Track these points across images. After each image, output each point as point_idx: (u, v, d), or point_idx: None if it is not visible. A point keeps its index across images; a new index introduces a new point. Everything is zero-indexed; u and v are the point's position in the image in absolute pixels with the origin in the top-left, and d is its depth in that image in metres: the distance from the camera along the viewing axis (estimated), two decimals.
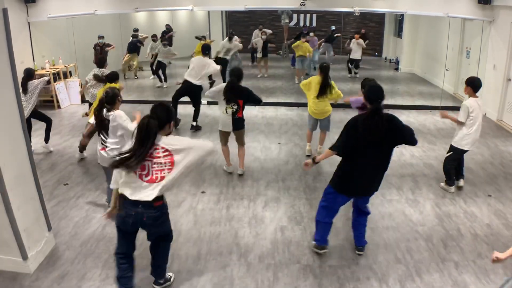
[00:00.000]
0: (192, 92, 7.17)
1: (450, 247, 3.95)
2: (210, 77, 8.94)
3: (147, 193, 2.82)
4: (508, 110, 7.71)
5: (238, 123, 5.26)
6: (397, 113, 7.87)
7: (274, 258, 3.77)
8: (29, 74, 5.82)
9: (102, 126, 4.12)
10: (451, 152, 4.96)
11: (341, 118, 6.68)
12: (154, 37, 10.87)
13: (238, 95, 5.10)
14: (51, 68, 8.88)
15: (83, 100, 8.93)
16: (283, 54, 13.96)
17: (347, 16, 12.61)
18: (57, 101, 8.84)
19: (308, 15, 14.25)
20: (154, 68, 10.87)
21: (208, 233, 4.17)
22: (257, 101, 5.34)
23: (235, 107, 5.13)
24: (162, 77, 10.62)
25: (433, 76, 11.22)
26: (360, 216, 3.79)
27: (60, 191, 5.06)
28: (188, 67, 7.13)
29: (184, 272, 3.55)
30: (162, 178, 2.83)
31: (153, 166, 2.82)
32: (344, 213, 4.27)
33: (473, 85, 4.70)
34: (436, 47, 10.85)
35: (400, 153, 6.22)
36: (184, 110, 7.59)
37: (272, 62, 12.70)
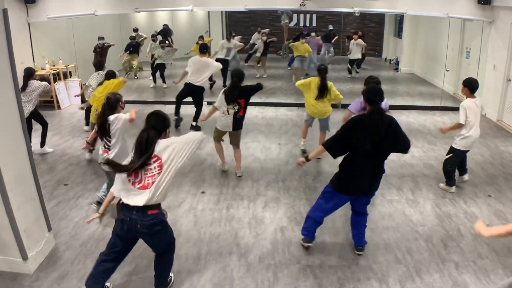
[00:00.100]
0: (194, 93, 7.18)
1: (450, 247, 3.95)
2: (210, 78, 8.94)
3: (140, 198, 2.83)
4: (508, 110, 7.71)
5: (239, 123, 5.26)
6: (397, 113, 7.81)
7: (274, 258, 3.77)
8: (29, 73, 5.84)
9: (104, 131, 4.14)
10: (451, 154, 4.96)
11: (341, 118, 6.66)
12: (154, 37, 10.88)
13: (239, 96, 5.11)
14: (51, 69, 8.88)
15: (83, 101, 8.94)
16: (283, 54, 13.97)
17: (347, 16, 12.63)
18: (57, 102, 8.84)
19: (308, 16, 14.25)
20: (153, 68, 10.86)
21: (208, 233, 4.17)
22: (258, 89, 5.36)
23: (236, 107, 5.13)
24: (161, 79, 10.61)
25: (433, 76, 11.22)
26: (359, 216, 3.79)
27: (60, 191, 5.06)
28: (188, 67, 7.09)
29: (184, 272, 3.55)
30: (154, 183, 2.85)
31: (145, 173, 2.85)
32: (344, 213, 4.27)
33: (470, 86, 4.70)
34: (436, 48, 10.85)
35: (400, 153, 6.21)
36: (184, 110, 7.58)
37: (272, 62, 12.70)
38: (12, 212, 3.27)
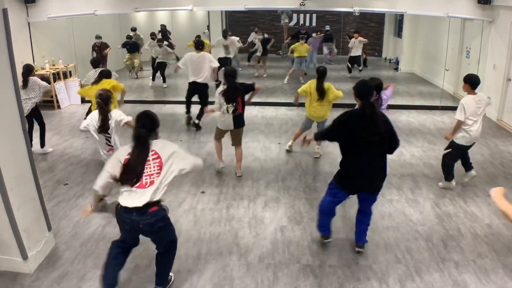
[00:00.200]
0: (198, 90, 7.14)
1: (450, 247, 3.95)
2: (216, 78, 8.93)
3: (138, 199, 2.83)
4: (508, 110, 7.71)
5: (239, 120, 5.24)
6: (397, 113, 7.80)
7: (274, 258, 3.77)
8: (28, 70, 5.84)
9: (105, 128, 4.18)
10: (450, 149, 4.95)
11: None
12: (153, 36, 10.87)
13: (237, 94, 5.12)
14: (51, 68, 8.88)
15: (83, 100, 8.95)
16: (283, 54, 13.97)
17: (346, 16, 12.61)
18: (57, 101, 8.84)
19: (308, 15, 14.24)
20: (154, 67, 10.86)
21: (208, 233, 4.17)
22: (252, 89, 5.40)
23: (234, 104, 5.14)
24: (161, 79, 10.61)
25: (433, 76, 11.22)
26: (364, 216, 3.80)
27: (60, 191, 5.06)
28: (181, 64, 7.07)
29: (184, 272, 3.55)
30: (152, 183, 2.85)
31: (144, 171, 2.85)
32: (344, 213, 4.27)
33: (471, 82, 4.69)
34: (436, 47, 10.84)
35: (400, 153, 6.21)
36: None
37: (272, 62, 12.69)
38: (12, 212, 3.27)
